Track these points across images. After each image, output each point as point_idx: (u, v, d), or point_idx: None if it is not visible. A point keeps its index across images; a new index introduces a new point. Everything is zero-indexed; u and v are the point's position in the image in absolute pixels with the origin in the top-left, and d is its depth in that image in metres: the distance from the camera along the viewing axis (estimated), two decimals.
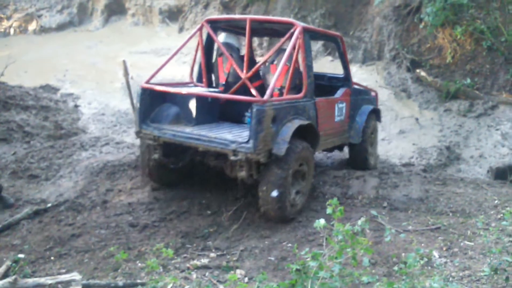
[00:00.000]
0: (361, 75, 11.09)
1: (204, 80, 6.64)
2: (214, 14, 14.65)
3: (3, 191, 5.92)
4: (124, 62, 6.81)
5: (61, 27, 16.78)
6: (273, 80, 5.37)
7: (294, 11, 12.73)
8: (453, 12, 10.22)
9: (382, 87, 10.85)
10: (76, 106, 10.41)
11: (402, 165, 8.08)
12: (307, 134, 5.79)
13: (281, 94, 6.01)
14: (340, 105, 6.90)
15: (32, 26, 16.72)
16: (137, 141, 7.42)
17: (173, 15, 16.08)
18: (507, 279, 3.53)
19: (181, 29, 15.60)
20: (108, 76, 12.26)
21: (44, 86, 11.27)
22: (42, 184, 6.75)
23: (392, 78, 11.11)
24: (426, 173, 7.63)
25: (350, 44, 11.55)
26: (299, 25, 5.96)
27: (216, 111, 6.44)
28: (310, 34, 6.25)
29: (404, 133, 9.31)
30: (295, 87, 6.12)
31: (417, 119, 9.72)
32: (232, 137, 5.45)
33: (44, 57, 13.91)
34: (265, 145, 5.10)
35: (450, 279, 3.90)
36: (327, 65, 11.43)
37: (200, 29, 6.49)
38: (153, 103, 5.97)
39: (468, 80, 10.06)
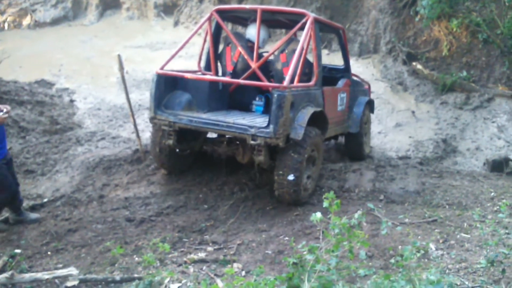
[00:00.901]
0: (357, 68, 11.06)
1: (212, 68, 6.67)
2: (209, 7, 14.59)
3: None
4: (119, 56, 6.75)
5: (55, 22, 16.67)
6: (292, 66, 5.52)
7: (290, 4, 12.69)
8: (448, 5, 10.21)
9: (379, 80, 10.85)
10: (71, 101, 10.37)
11: (398, 158, 8.10)
12: (317, 121, 5.94)
13: (292, 80, 5.96)
14: (342, 95, 7.11)
15: (27, 20, 16.59)
16: (133, 136, 7.43)
17: (168, 9, 16.01)
18: (503, 271, 3.54)
19: (176, 23, 15.53)
20: (103, 70, 12.21)
21: (39, 81, 11.21)
22: (38, 179, 6.74)
23: (388, 71, 11.11)
24: (422, 166, 7.65)
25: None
26: (311, 15, 6.07)
27: (226, 99, 6.55)
28: (319, 25, 6.36)
29: (400, 126, 9.32)
30: (304, 76, 6.21)
31: (413, 112, 9.73)
32: (249, 122, 5.56)
33: (38, 52, 13.83)
34: (284, 130, 5.27)
35: (447, 271, 3.91)
36: (323, 58, 11.39)
37: (210, 18, 6.53)
38: (165, 90, 6.03)
39: (464, 73, 10.07)
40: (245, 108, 6.55)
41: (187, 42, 6.39)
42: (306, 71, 6.31)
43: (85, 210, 5.73)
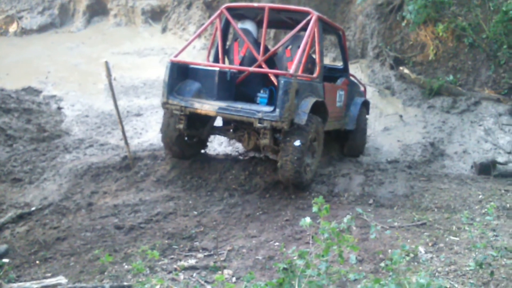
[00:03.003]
0: None
1: (221, 62, 6.98)
2: (197, 14, 14.62)
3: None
4: (106, 63, 6.73)
5: (42, 29, 16.59)
6: (298, 56, 6.02)
7: None
8: (434, 10, 10.29)
9: (366, 84, 10.90)
10: (59, 108, 10.31)
11: (387, 162, 8.14)
12: (319, 111, 6.38)
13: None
14: (340, 92, 7.54)
15: (13, 28, 16.48)
16: (121, 143, 7.40)
17: (156, 15, 15.99)
18: (492, 273, 3.57)
19: (164, 29, 15.51)
20: (91, 77, 12.16)
21: (26, 88, 11.14)
22: (25, 188, 6.68)
23: (376, 76, 11.17)
24: (411, 169, 7.69)
25: (334, 42, 11.58)
26: (315, 13, 6.49)
27: (233, 90, 6.94)
28: (322, 23, 6.77)
29: (388, 130, 9.37)
30: (307, 71, 6.65)
31: (401, 116, 9.79)
32: (255, 108, 6.00)
33: (25, 59, 13.74)
34: (289, 114, 5.72)
35: (436, 274, 3.94)
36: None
37: (219, 15, 6.95)
38: (177, 78, 6.48)
39: (451, 77, 10.15)
40: (250, 100, 6.86)
41: (200, 33, 7.08)
42: (309, 66, 6.74)
43: (74, 218, 5.69)
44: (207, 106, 6.11)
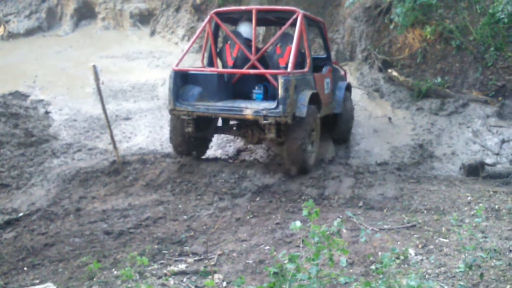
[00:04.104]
0: None
1: (215, 64, 7.59)
2: (186, 17, 14.59)
3: None
4: (94, 67, 6.69)
5: (29, 33, 16.45)
6: (292, 53, 6.52)
7: None
8: (422, 12, 10.37)
9: (355, 87, 10.95)
10: (46, 112, 10.22)
11: (377, 164, 8.17)
12: (314, 102, 6.96)
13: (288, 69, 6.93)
14: (327, 80, 8.14)
15: (0, 32, 16.34)
16: (110, 147, 7.36)
17: (144, 18, 15.92)
18: (481, 275, 3.59)
19: (152, 33, 15.46)
20: (79, 81, 12.08)
21: (13, 92, 11.04)
22: (13, 193, 6.61)
23: (365, 79, 11.22)
24: (400, 171, 7.72)
25: (322, 45, 11.61)
26: (300, 12, 6.99)
27: (231, 89, 7.52)
28: (306, 19, 7.25)
29: (377, 132, 9.40)
30: (297, 65, 7.08)
31: (390, 118, 9.83)
32: (258, 106, 6.54)
33: (12, 63, 13.63)
34: (291, 109, 6.29)
35: (427, 276, 3.94)
36: None
37: (209, 20, 7.40)
38: (180, 84, 6.94)
39: (439, 79, 10.21)
40: (247, 96, 7.50)
41: (195, 40, 7.42)
42: (299, 60, 7.25)
43: (62, 223, 5.63)
44: (213, 108, 6.63)
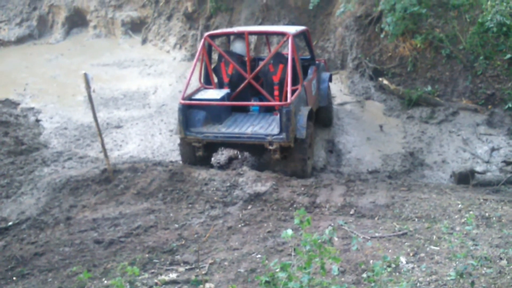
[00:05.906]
0: None
1: (212, 82, 8.37)
2: (178, 25, 14.61)
3: None
4: (85, 75, 6.66)
5: (20, 40, 16.40)
6: (289, 84, 7.10)
7: (257, 21, 12.79)
8: (412, 22, 10.45)
9: (347, 95, 11.00)
10: (37, 120, 10.17)
11: (368, 172, 8.18)
12: (309, 117, 7.50)
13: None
14: (313, 82, 8.74)
15: None
16: (101, 155, 7.34)
17: (135, 26, 15.91)
18: (472, 283, 3.59)
19: (144, 41, 15.45)
20: (70, 89, 12.04)
21: (3, 100, 10.99)
22: (2, 202, 6.56)
23: (356, 87, 11.26)
24: (391, 179, 7.74)
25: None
26: (290, 34, 7.63)
27: (230, 106, 8.00)
28: (295, 37, 7.89)
29: (369, 140, 9.43)
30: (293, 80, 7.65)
31: (381, 126, 9.87)
32: (263, 130, 7.28)
33: (3, 71, 13.56)
34: (292, 134, 7.01)
35: (418, 284, 3.95)
36: None
37: (204, 43, 7.97)
38: (187, 113, 7.42)
39: (429, 88, 10.28)
40: (244, 110, 8.17)
41: (195, 66, 7.86)
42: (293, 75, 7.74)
43: (52, 232, 5.59)
44: (221, 136, 7.23)
